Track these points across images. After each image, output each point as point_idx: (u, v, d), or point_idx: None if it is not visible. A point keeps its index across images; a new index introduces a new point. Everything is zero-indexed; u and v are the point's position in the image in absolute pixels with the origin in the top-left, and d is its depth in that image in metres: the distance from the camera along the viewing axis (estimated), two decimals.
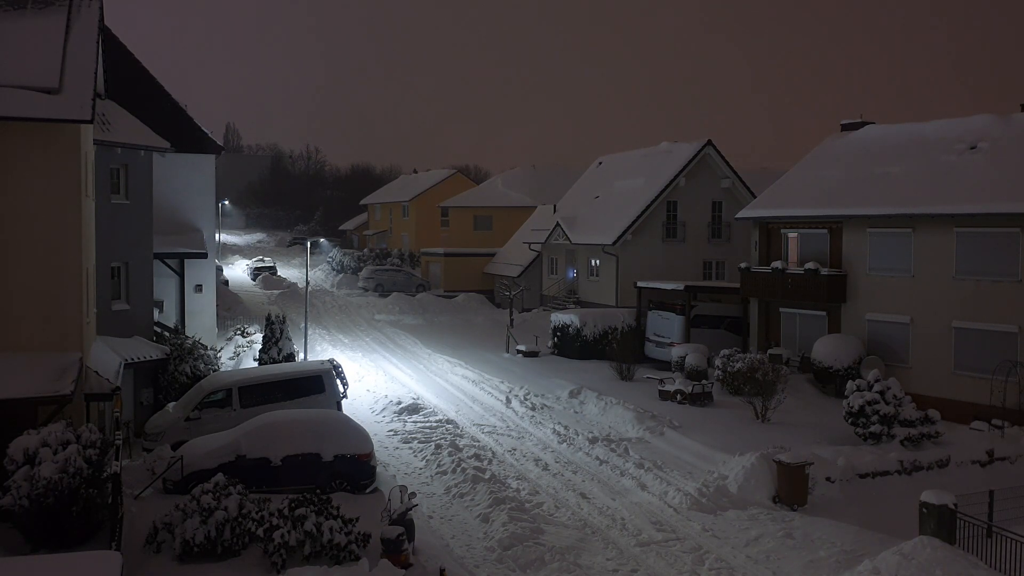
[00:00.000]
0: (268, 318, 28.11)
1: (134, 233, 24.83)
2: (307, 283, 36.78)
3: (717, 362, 29.90)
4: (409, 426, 25.27)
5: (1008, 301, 25.88)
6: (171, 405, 22.97)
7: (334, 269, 69.60)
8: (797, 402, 26.97)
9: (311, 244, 46.78)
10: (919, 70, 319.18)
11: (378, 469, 19.69)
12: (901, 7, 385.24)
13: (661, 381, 29.07)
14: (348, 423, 19.63)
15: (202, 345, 26.29)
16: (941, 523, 15.46)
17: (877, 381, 23.03)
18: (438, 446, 22.58)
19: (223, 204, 78.28)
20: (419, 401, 28.01)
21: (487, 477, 19.86)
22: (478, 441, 23.65)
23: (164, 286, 29.59)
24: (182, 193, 31.26)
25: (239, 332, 38.13)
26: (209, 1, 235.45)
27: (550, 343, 37.94)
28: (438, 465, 21.18)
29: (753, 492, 19.00)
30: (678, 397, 27.62)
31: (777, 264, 32.08)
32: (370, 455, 18.98)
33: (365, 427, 20.50)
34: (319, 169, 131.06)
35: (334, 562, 14.40)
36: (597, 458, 21.97)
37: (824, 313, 31.63)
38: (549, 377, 31.88)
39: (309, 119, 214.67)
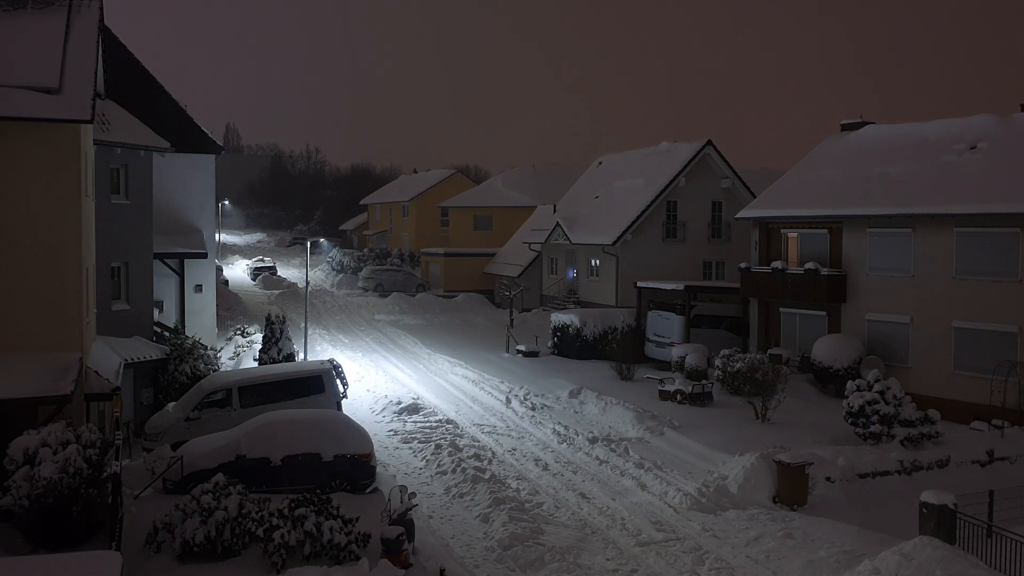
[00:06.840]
0: (268, 318, 28.11)
1: (134, 233, 24.84)
2: (307, 283, 36.78)
3: (717, 362, 29.87)
4: (409, 426, 25.27)
5: (1008, 301, 25.88)
6: (171, 405, 22.96)
7: (334, 269, 69.54)
8: (797, 402, 26.94)
9: (311, 244, 46.84)
10: (919, 70, 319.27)
11: (378, 469, 19.69)
12: (901, 6, 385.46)
13: (661, 381, 29.07)
14: (348, 423, 19.62)
15: (202, 345, 26.29)
16: (941, 523, 15.45)
17: (877, 381, 23.01)
18: (438, 446, 22.57)
19: (223, 204, 78.28)
20: (419, 401, 27.99)
21: (487, 477, 19.85)
22: (478, 441, 23.64)
23: (164, 286, 29.59)
24: (182, 193, 31.27)
25: (239, 332, 38.14)
26: (209, 1, 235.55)
27: (550, 343, 37.92)
28: (438, 465, 21.17)
29: (753, 492, 19.01)
30: (678, 397, 27.62)
31: (777, 264, 32.08)
32: (370, 455, 18.98)
33: (365, 427, 20.50)
34: (319, 169, 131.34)
35: (334, 562, 14.41)
36: (597, 458, 21.96)
37: (824, 313, 31.63)
38: (549, 377, 31.87)
39: (309, 119, 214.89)
